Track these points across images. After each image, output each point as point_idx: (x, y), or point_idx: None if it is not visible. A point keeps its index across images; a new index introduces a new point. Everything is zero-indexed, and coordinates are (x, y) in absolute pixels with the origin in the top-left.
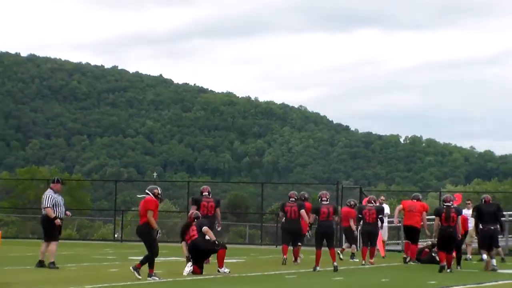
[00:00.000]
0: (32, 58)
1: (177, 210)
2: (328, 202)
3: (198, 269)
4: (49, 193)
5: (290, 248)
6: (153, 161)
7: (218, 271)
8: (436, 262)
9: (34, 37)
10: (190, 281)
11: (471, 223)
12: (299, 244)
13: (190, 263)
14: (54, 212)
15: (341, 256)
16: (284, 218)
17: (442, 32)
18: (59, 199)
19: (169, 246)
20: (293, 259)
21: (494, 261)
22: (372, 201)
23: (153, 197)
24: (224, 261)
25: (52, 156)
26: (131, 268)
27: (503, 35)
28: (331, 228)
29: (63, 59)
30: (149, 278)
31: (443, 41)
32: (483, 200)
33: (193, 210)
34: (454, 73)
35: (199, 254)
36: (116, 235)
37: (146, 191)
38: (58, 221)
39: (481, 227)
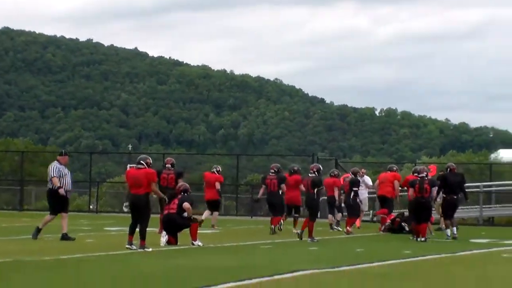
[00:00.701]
0: (6, 31)
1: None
2: (310, 175)
3: (173, 240)
4: (55, 164)
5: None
6: (128, 133)
7: (192, 243)
8: (405, 232)
9: (8, 9)
10: (165, 251)
11: None
12: (296, 215)
13: (164, 233)
14: (60, 183)
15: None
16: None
17: (420, 6)
18: (66, 171)
19: None
20: (273, 226)
21: (455, 229)
22: (352, 174)
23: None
24: (200, 231)
25: (26, 128)
26: (139, 249)
27: (480, 8)
28: (310, 200)
29: (37, 32)
30: (140, 249)
31: (420, 15)
32: (448, 169)
33: (182, 183)
34: (430, 46)
35: (173, 227)
36: (91, 206)
37: (141, 161)
38: (61, 191)
39: (444, 196)
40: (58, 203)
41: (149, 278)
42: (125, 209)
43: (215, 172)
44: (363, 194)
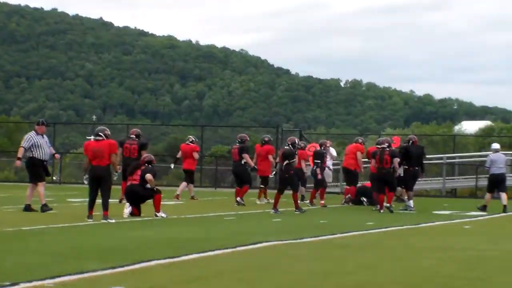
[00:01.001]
0: None
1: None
2: (285, 147)
3: (136, 211)
4: (30, 134)
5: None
6: (92, 104)
7: (155, 215)
8: (363, 204)
9: None
10: (130, 223)
11: None
12: (262, 186)
13: (128, 204)
14: (32, 153)
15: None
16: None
17: None
18: (43, 141)
19: None
20: (238, 198)
21: (411, 202)
22: (320, 146)
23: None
24: (164, 203)
25: None
26: (102, 221)
27: None
28: (281, 172)
29: (1, 0)
30: (103, 220)
31: None
32: (410, 142)
33: (146, 154)
34: (395, 17)
35: (136, 199)
36: (54, 178)
37: (99, 133)
38: (18, 163)
39: (406, 167)
40: (39, 170)
41: (112, 250)
42: (86, 182)
43: (189, 142)
44: (328, 165)
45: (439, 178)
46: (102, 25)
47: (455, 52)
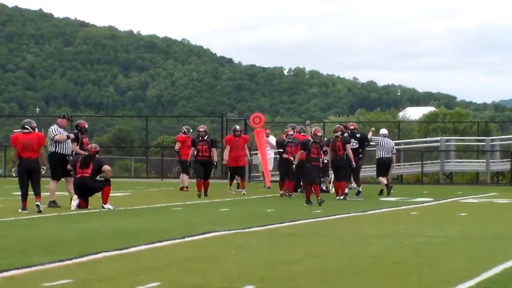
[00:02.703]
0: None
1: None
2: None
3: (83, 203)
4: (54, 126)
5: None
6: (35, 96)
7: (103, 207)
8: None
9: None
10: (76, 215)
11: None
12: (242, 176)
13: (76, 196)
14: (55, 148)
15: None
16: (196, 153)
17: None
18: (65, 134)
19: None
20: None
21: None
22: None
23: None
24: (110, 195)
25: None
26: (36, 204)
27: None
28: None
29: None
30: (38, 205)
31: None
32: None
33: (93, 144)
34: (337, 4)
35: (85, 191)
36: None
37: (26, 126)
38: (68, 136)
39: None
40: (61, 167)
41: (59, 243)
42: (14, 174)
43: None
44: (269, 154)
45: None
46: (42, 16)
47: (398, 39)
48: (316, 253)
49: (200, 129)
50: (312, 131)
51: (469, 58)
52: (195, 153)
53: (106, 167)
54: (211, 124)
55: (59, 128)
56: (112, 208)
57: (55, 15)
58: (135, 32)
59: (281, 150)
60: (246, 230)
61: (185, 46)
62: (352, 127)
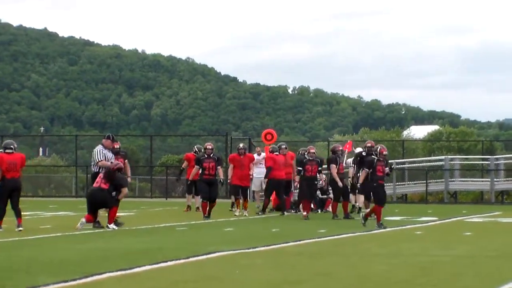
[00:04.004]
0: None
1: (65, 165)
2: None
3: (92, 218)
4: (99, 148)
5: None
6: (40, 115)
7: (107, 226)
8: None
9: None
10: (80, 235)
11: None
12: (238, 197)
13: (83, 219)
14: (99, 169)
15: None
16: (201, 172)
17: None
18: (110, 155)
19: (57, 201)
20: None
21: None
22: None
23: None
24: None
25: None
26: (17, 229)
27: None
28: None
29: None
30: (18, 229)
31: None
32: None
33: (115, 161)
34: (342, 23)
35: (98, 203)
36: None
37: (10, 146)
38: (118, 164)
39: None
40: None
41: (64, 263)
42: None
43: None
44: (259, 173)
45: (389, 183)
46: (46, 35)
47: (402, 57)
48: (321, 273)
49: (208, 147)
50: (378, 149)
51: (474, 77)
52: (201, 171)
53: (124, 190)
54: (215, 143)
55: (103, 150)
56: (116, 228)
57: (60, 34)
58: (139, 51)
59: (300, 168)
60: (251, 250)
61: (189, 65)
62: (369, 145)
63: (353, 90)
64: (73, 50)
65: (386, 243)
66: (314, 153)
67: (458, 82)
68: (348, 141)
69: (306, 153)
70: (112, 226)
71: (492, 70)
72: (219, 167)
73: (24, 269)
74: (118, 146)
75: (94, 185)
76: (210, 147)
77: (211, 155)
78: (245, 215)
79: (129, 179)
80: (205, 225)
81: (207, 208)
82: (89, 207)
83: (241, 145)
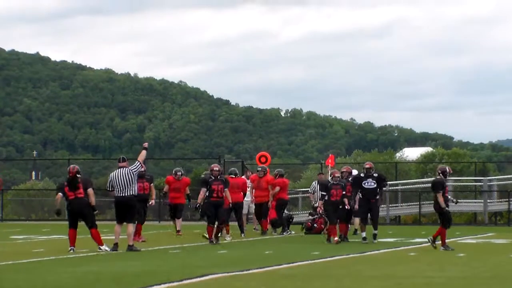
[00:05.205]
0: None
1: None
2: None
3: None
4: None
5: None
6: (32, 139)
7: (99, 248)
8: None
9: None
10: (74, 258)
11: None
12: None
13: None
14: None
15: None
16: (209, 194)
17: (327, 6)
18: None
19: (50, 224)
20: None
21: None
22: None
23: None
24: (108, 237)
25: None
26: None
27: (386, 7)
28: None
29: None
30: None
31: (328, 14)
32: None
33: (71, 165)
34: (334, 46)
35: (79, 215)
36: None
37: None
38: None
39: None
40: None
41: (58, 287)
42: None
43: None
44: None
45: (382, 206)
46: (39, 59)
47: (394, 79)
48: None
49: (214, 168)
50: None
51: (466, 98)
52: (208, 193)
53: (90, 191)
54: (208, 166)
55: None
56: (109, 250)
57: (52, 59)
58: (132, 74)
59: (324, 193)
60: (245, 272)
61: (182, 89)
62: (368, 166)
63: (345, 113)
64: (65, 74)
65: (380, 265)
66: (339, 177)
67: (450, 104)
68: (330, 155)
69: (330, 178)
70: (104, 247)
71: (484, 92)
72: (226, 189)
73: None
74: (143, 169)
75: (70, 198)
76: (217, 168)
77: (219, 177)
78: (227, 239)
79: (152, 202)
80: (198, 248)
81: (214, 232)
82: (73, 220)
83: (234, 169)
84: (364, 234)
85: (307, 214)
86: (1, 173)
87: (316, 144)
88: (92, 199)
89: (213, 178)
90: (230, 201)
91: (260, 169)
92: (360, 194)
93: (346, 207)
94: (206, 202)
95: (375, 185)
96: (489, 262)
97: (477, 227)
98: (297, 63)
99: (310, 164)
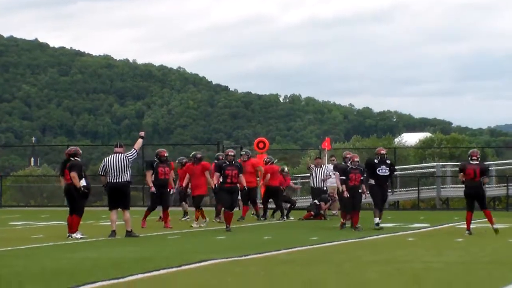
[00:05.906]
0: None
1: (57, 175)
2: (473, 162)
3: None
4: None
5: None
6: (31, 125)
7: (70, 236)
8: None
9: None
10: (72, 244)
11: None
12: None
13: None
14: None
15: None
16: (222, 180)
17: None
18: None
19: (49, 211)
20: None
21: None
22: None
23: None
24: (107, 224)
25: None
26: None
27: None
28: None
29: None
30: None
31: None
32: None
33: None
34: (334, 31)
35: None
36: None
37: None
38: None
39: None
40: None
41: (56, 272)
42: None
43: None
44: None
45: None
46: (37, 46)
47: (393, 65)
48: (313, 281)
49: (229, 153)
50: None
51: (464, 84)
52: (222, 179)
53: (72, 174)
54: (207, 151)
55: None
56: (79, 238)
57: (51, 45)
58: (130, 60)
59: (344, 177)
60: (243, 257)
61: (180, 75)
62: (383, 152)
63: (344, 98)
64: (64, 60)
65: (379, 250)
66: (358, 161)
67: (449, 89)
68: (326, 138)
69: (349, 162)
70: (75, 235)
71: (483, 77)
72: (241, 174)
73: (17, 279)
74: (166, 155)
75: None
76: (232, 153)
77: (233, 162)
78: (209, 221)
79: (173, 190)
80: (197, 233)
81: (231, 219)
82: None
83: (198, 154)
84: (377, 220)
85: (311, 201)
86: None
87: (314, 130)
88: (75, 182)
89: (228, 163)
90: (245, 185)
91: (243, 153)
92: (373, 181)
93: (364, 194)
94: (220, 188)
95: (388, 172)
96: (488, 247)
97: (476, 212)
98: (296, 48)
99: (309, 149)
